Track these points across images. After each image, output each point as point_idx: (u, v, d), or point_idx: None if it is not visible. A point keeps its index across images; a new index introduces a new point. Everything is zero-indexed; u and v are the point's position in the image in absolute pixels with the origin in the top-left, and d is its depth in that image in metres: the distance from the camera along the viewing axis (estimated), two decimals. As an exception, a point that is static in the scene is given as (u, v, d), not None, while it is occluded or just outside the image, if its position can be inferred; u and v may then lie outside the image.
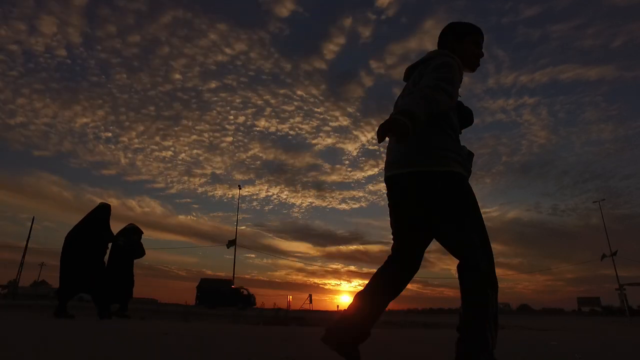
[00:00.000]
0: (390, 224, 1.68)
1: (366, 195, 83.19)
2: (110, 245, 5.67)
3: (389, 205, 1.67)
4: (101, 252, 5.44)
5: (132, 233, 6.26)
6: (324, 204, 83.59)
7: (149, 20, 73.19)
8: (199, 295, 28.23)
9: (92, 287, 5.20)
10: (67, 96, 74.37)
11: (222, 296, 27.61)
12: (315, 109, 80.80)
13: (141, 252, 6.34)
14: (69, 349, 1.94)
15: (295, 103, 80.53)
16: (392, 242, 1.69)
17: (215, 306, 25.88)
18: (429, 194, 1.47)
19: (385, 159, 1.71)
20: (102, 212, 5.64)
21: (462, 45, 1.75)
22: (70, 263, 5.17)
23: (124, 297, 6.00)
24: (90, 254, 5.27)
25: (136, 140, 76.53)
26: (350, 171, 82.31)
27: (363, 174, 79.86)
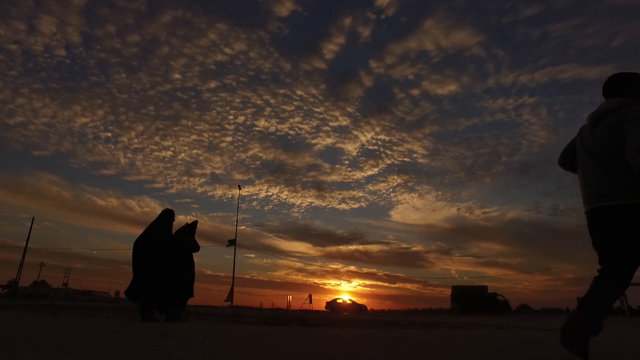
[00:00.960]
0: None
1: (366, 195, 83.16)
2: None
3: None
4: (161, 255, 5.52)
5: (182, 233, 6.28)
6: (324, 204, 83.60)
7: (148, 20, 73.14)
8: (454, 302, 27.79)
9: (158, 291, 5.39)
10: (67, 96, 74.32)
11: (479, 303, 27.27)
12: (315, 109, 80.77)
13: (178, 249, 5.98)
14: (70, 349, 1.94)
15: (295, 103, 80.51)
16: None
17: (472, 313, 25.49)
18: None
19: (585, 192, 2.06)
20: (165, 217, 5.79)
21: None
22: (139, 270, 5.39)
23: (172, 300, 5.80)
24: (152, 259, 5.42)
25: (136, 140, 76.51)
26: (350, 171, 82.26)
27: (363, 174, 79.83)
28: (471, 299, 27.70)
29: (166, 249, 5.62)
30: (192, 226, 6.22)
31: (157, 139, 79.59)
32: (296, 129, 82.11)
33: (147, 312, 5.22)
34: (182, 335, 3.01)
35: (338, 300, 30.72)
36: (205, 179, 78.89)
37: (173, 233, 5.93)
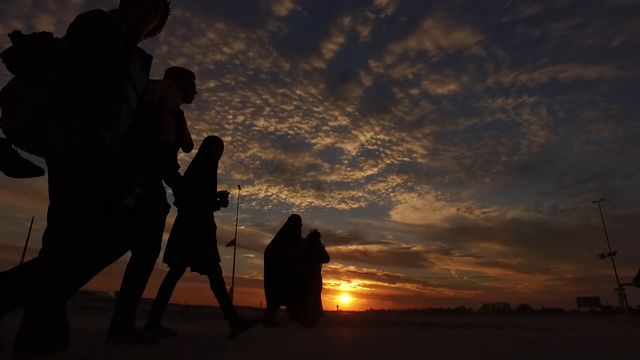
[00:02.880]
0: None
1: (365, 195, 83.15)
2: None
3: None
4: (292, 263, 5.57)
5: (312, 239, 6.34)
6: (324, 204, 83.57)
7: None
8: None
9: (289, 298, 5.50)
10: (67, 96, 74.16)
11: None
12: (314, 109, 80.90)
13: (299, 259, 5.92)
14: (72, 349, 1.94)
15: (294, 102, 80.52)
16: None
17: None
18: None
19: None
20: (292, 223, 5.82)
21: None
22: (270, 277, 5.47)
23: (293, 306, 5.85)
24: (284, 267, 5.48)
25: (135, 140, 76.37)
26: (350, 171, 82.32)
27: (362, 173, 79.86)
28: None
29: (290, 258, 5.63)
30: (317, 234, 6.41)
31: (156, 139, 79.52)
32: (295, 128, 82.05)
33: (270, 318, 5.36)
34: (182, 335, 3.01)
35: None
36: (205, 179, 78.84)
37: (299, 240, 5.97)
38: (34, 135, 1.45)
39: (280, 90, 79.97)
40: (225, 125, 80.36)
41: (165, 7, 1.87)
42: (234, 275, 28.52)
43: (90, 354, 1.79)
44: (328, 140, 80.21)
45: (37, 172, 1.61)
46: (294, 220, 5.80)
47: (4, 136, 1.51)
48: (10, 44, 1.40)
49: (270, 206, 79.25)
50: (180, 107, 2.75)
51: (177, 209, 3.09)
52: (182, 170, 2.93)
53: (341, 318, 12.87)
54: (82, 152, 1.38)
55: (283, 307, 5.80)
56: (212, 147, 3.32)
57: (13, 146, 1.51)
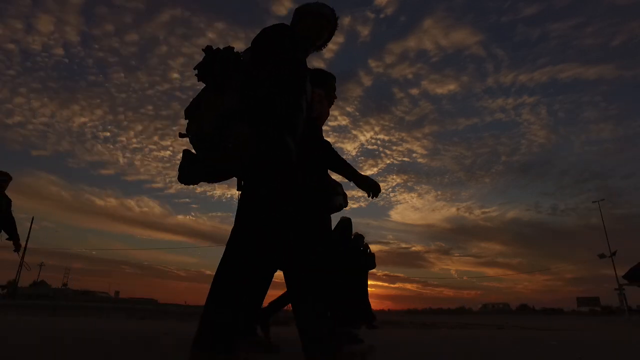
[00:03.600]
0: None
1: (365, 195, 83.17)
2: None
3: None
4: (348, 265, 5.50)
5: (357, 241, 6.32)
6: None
7: (146, 18, 73.18)
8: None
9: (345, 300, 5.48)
10: (65, 95, 74.40)
11: None
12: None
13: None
14: (69, 349, 1.94)
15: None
16: None
17: None
18: None
19: None
20: (344, 225, 5.74)
21: None
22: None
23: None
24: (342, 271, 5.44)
25: (134, 140, 76.59)
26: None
27: (362, 173, 79.84)
28: None
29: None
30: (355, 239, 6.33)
31: (156, 138, 79.71)
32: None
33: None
34: (182, 336, 3.02)
35: None
36: (204, 179, 78.95)
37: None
38: (219, 142, 1.50)
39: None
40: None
41: (334, 23, 1.91)
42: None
43: (91, 354, 1.79)
44: (328, 140, 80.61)
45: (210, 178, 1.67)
46: (347, 223, 5.77)
47: (189, 147, 1.59)
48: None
49: (270, 206, 79.40)
50: None
51: None
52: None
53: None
54: (262, 156, 1.42)
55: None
56: None
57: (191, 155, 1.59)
